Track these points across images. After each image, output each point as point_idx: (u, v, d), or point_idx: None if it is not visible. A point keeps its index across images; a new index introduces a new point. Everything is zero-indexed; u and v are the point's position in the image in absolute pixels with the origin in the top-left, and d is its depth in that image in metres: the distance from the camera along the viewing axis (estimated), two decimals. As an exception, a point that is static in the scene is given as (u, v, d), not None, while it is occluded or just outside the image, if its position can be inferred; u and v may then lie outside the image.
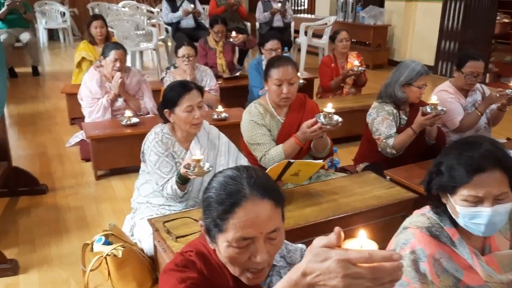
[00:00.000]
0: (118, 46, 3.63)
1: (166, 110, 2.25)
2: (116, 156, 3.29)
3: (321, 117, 2.10)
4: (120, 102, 3.70)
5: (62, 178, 3.28)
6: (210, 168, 2.05)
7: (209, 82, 3.95)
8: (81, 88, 3.73)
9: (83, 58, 4.70)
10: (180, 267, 1.04)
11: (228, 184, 1.01)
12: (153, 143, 2.26)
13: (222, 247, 0.98)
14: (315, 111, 2.39)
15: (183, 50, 3.75)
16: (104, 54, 3.59)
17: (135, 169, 3.33)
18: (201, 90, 2.31)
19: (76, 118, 4.39)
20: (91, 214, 2.78)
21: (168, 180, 2.22)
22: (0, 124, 2.85)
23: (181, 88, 2.24)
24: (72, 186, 3.16)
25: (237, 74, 4.93)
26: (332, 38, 4.34)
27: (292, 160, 2.11)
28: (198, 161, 2.03)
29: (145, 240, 2.16)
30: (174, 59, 4.13)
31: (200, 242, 1.12)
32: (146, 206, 2.37)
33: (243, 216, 0.95)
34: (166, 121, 2.33)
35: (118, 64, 3.57)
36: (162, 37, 6.84)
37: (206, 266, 1.06)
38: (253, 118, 2.45)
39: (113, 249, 1.95)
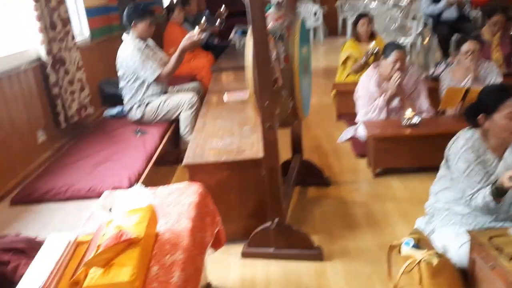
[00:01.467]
0: (399, 46, 3.62)
1: (481, 115, 2.11)
2: (394, 155, 3.30)
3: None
4: (396, 102, 3.69)
5: (340, 173, 3.48)
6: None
7: (495, 80, 3.59)
8: (359, 88, 3.87)
9: (348, 57, 4.89)
10: None
11: None
12: (463, 150, 2.15)
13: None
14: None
15: (468, 45, 3.50)
16: (385, 55, 3.63)
17: (413, 170, 3.32)
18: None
19: (343, 115, 4.61)
20: (378, 212, 2.86)
21: (479, 190, 2.09)
22: (297, 122, 3.18)
23: (503, 93, 2.07)
24: (352, 181, 3.32)
25: (518, 69, 4.35)
26: None
27: None
28: (525, 174, 1.84)
29: (453, 251, 2.08)
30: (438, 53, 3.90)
31: None
32: (446, 214, 2.28)
33: None
34: (474, 125, 2.19)
35: (398, 65, 3.57)
36: (419, 30, 6.59)
37: None
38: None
39: (428, 255, 1.93)
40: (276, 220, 2.35)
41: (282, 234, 2.39)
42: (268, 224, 2.40)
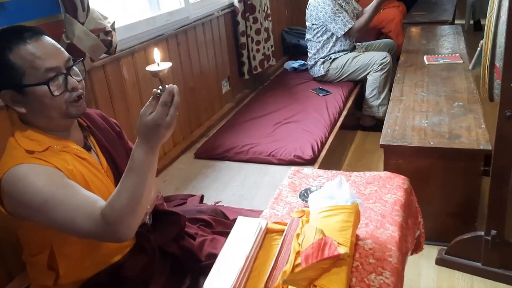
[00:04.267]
0: None
1: None
2: None
3: None
4: None
5: None
6: None
7: None
8: None
9: None
10: None
11: None
12: None
13: None
14: None
15: None
16: None
17: None
18: None
19: None
20: None
21: None
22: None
23: None
24: None
25: None
26: None
27: None
28: None
29: None
30: None
31: None
32: None
33: None
34: None
35: None
36: None
37: None
38: None
39: None
40: (494, 232, 1.86)
41: (496, 250, 1.90)
42: (480, 233, 1.92)
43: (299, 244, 1.23)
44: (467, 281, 1.97)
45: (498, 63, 1.73)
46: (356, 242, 1.38)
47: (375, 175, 1.74)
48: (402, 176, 1.72)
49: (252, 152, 2.49)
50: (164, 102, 1.02)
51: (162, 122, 1.02)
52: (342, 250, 1.17)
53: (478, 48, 2.01)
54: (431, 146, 2.02)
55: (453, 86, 2.64)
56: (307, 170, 1.84)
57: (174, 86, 1.06)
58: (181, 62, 2.65)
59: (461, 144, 1.99)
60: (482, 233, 1.90)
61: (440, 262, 2.05)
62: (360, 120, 3.54)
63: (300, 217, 1.42)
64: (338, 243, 1.21)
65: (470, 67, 2.43)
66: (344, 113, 3.07)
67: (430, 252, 2.11)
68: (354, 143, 3.34)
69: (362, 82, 3.47)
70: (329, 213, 1.33)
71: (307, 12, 3.44)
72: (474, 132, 2.07)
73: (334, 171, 1.83)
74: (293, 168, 1.86)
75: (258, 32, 3.40)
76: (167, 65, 1.06)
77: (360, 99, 3.47)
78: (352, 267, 1.28)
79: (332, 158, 2.69)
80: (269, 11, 3.57)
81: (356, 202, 1.39)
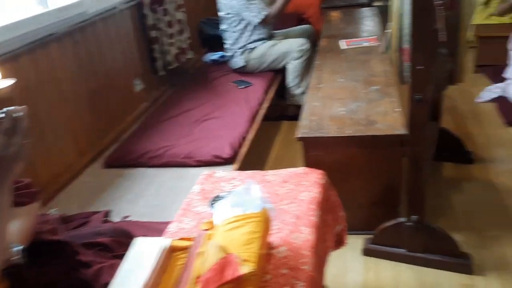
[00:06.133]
0: None
1: None
2: None
3: None
4: None
5: (486, 146, 2.78)
6: None
7: None
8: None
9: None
10: None
11: None
12: None
13: None
14: None
15: None
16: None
17: None
18: None
19: (484, 67, 3.76)
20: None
21: None
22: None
23: None
24: (502, 159, 2.62)
25: None
26: None
27: None
28: None
29: None
30: None
31: None
32: None
33: None
34: None
35: None
36: None
37: None
38: None
39: None
40: (415, 217, 1.82)
41: (419, 235, 1.86)
42: (402, 219, 1.88)
43: (199, 265, 1.09)
44: (395, 269, 1.93)
45: (405, 45, 1.67)
46: (269, 251, 1.26)
47: (292, 172, 1.63)
48: (319, 171, 1.62)
49: (168, 155, 2.31)
50: (5, 130, 0.83)
51: (4, 154, 0.83)
52: (245, 269, 1.04)
53: (387, 31, 1.95)
54: (349, 135, 1.95)
55: (370, 70, 2.61)
56: (220, 173, 1.70)
57: (20, 107, 0.86)
58: (80, 63, 2.39)
59: (377, 131, 1.93)
60: (404, 219, 1.86)
61: (366, 252, 2.00)
62: (284, 110, 3.45)
63: (209, 229, 1.28)
64: (244, 259, 1.08)
65: (382, 50, 2.40)
66: (266, 104, 2.96)
67: (356, 243, 2.05)
68: (280, 134, 3.25)
69: (284, 70, 3.38)
70: (234, 224, 1.20)
71: (219, 1, 3.28)
72: (390, 117, 2.02)
73: (249, 172, 1.70)
74: (205, 171, 1.71)
75: (170, 24, 3.19)
76: (8, 83, 0.86)
77: (283, 89, 3.38)
78: (264, 282, 1.16)
79: (256, 153, 2.57)
80: (182, 2, 3.37)
81: (266, 208, 1.27)
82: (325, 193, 1.57)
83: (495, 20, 3.94)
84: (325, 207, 1.53)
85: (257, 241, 1.15)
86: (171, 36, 3.22)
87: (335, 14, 4.11)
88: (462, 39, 1.69)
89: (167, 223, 1.59)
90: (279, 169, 1.61)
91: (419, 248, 1.89)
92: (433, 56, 1.62)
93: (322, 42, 3.28)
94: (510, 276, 1.82)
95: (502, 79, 3.31)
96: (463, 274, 1.85)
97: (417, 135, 1.68)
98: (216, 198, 1.50)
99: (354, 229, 2.12)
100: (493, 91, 3.33)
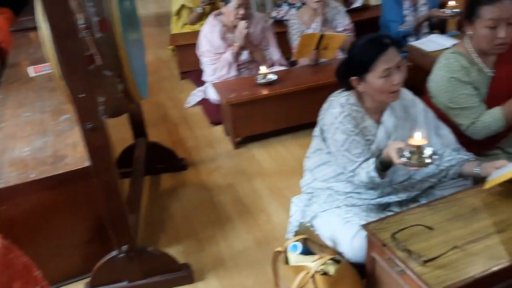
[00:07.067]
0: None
1: (353, 78, 1.75)
2: (255, 121, 2.87)
3: None
4: (245, 55, 3.23)
5: (196, 148, 2.94)
6: (436, 158, 1.57)
7: (343, 21, 3.34)
8: (201, 42, 3.29)
9: (183, 6, 4.23)
10: None
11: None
12: (339, 119, 1.78)
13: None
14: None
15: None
16: (226, 0, 3.09)
17: (276, 134, 2.95)
18: (399, 45, 1.77)
19: (187, 73, 4.02)
20: (247, 194, 2.43)
21: (361, 164, 1.78)
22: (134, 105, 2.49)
23: (375, 47, 1.70)
24: (211, 158, 2.82)
25: (358, 5, 4.25)
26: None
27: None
28: (419, 146, 1.54)
29: (344, 244, 1.75)
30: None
31: None
32: (328, 194, 1.94)
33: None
34: (348, 88, 1.84)
35: (241, 11, 3.07)
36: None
37: None
38: (455, 75, 1.94)
39: (322, 264, 1.56)
40: (125, 247, 1.74)
41: (135, 263, 1.79)
42: (114, 253, 1.77)
43: None
44: (122, 304, 1.82)
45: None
46: None
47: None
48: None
49: None
50: None
51: None
52: None
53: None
54: (33, 179, 1.71)
55: (60, 98, 2.39)
56: None
57: None
58: None
59: (65, 167, 1.76)
60: (116, 252, 1.76)
61: (87, 298, 1.83)
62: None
63: None
64: None
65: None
66: None
67: (78, 290, 1.85)
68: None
69: None
70: None
71: None
72: (80, 148, 1.87)
73: None
74: None
75: None
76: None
77: None
78: None
79: None
80: None
81: None
82: (3, 257, 1.31)
83: (188, 28, 4.24)
84: (6, 274, 1.28)
85: None
86: None
87: (24, 38, 3.70)
88: (123, 58, 1.66)
89: None
90: None
91: (139, 276, 1.82)
92: (95, 81, 1.54)
93: (6, 73, 2.88)
94: (225, 272, 1.94)
95: (203, 83, 3.58)
96: (186, 286, 1.88)
97: (100, 163, 1.58)
98: None
99: (74, 276, 1.93)
100: (197, 94, 3.56)
